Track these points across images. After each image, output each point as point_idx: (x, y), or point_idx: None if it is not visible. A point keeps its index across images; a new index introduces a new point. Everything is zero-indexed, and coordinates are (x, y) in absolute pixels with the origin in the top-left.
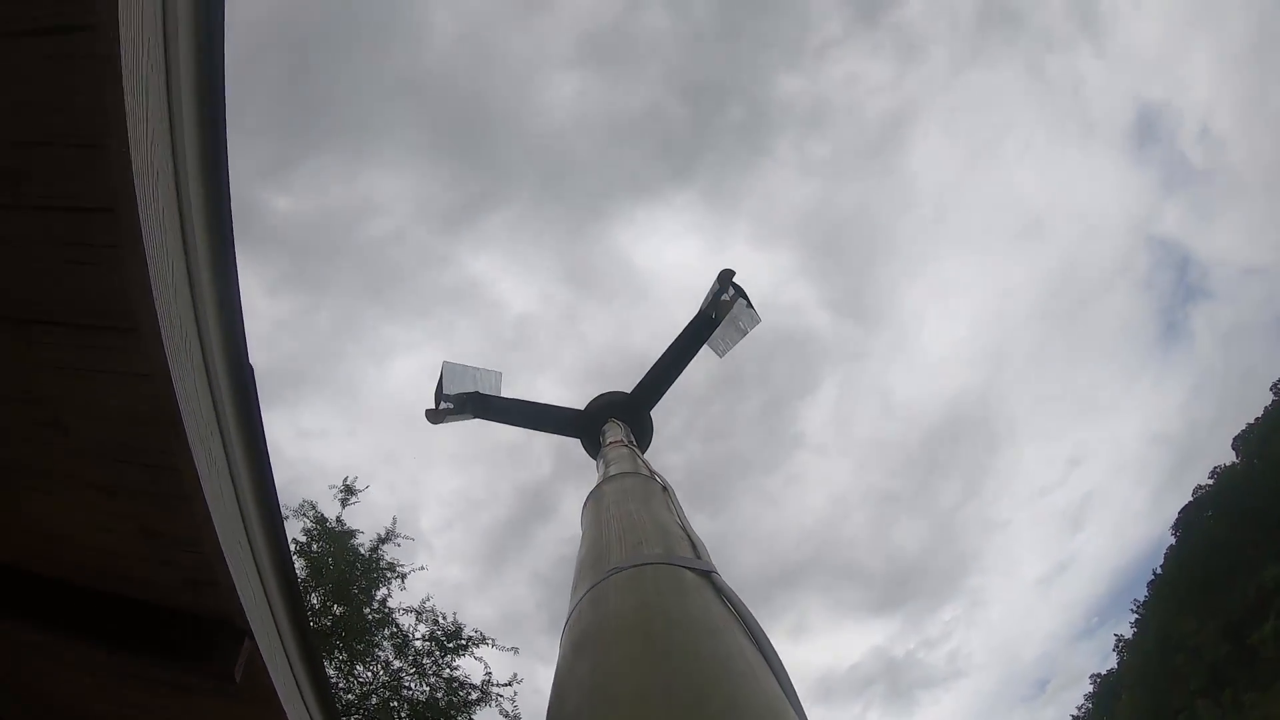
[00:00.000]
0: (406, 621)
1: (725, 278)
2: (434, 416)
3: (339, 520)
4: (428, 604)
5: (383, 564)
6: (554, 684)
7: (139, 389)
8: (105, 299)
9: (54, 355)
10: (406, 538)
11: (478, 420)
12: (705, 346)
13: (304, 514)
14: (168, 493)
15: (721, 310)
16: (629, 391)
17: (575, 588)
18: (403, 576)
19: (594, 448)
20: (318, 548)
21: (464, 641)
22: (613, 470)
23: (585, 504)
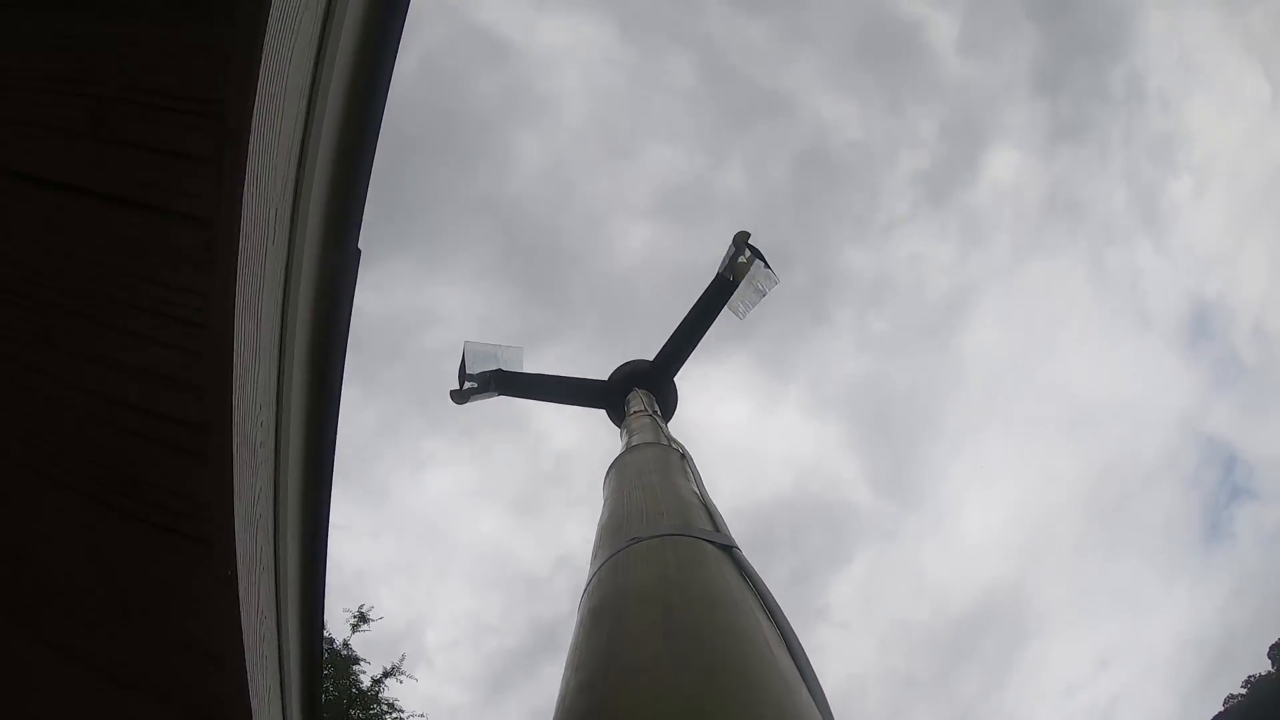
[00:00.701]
0: None
1: (741, 240)
2: (458, 397)
3: (346, 644)
4: None
5: (381, 697)
6: (570, 651)
7: None
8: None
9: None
10: (410, 677)
11: (501, 401)
12: (726, 310)
13: None
14: None
15: (739, 272)
16: (651, 361)
17: (595, 556)
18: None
19: (619, 417)
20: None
21: None
22: (635, 440)
23: (607, 473)
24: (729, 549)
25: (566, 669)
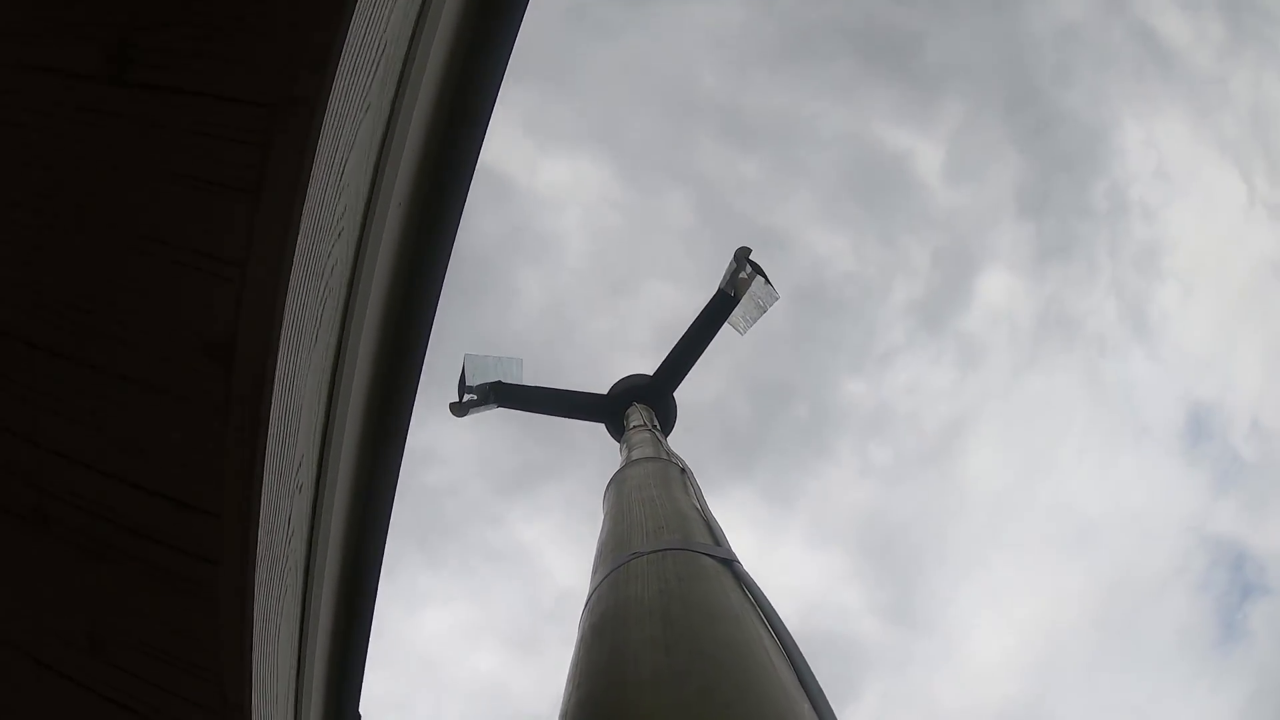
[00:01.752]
0: None
1: (742, 256)
2: (458, 409)
3: None
4: None
5: None
6: (570, 667)
7: None
8: None
9: None
10: None
11: (500, 413)
12: (726, 325)
13: None
14: None
15: (740, 288)
16: (651, 375)
17: (595, 571)
18: None
19: (618, 431)
20: None
21: None
22: (635, 455)
23: (608, 488)
24: (729, 563)
25: (568, 685)
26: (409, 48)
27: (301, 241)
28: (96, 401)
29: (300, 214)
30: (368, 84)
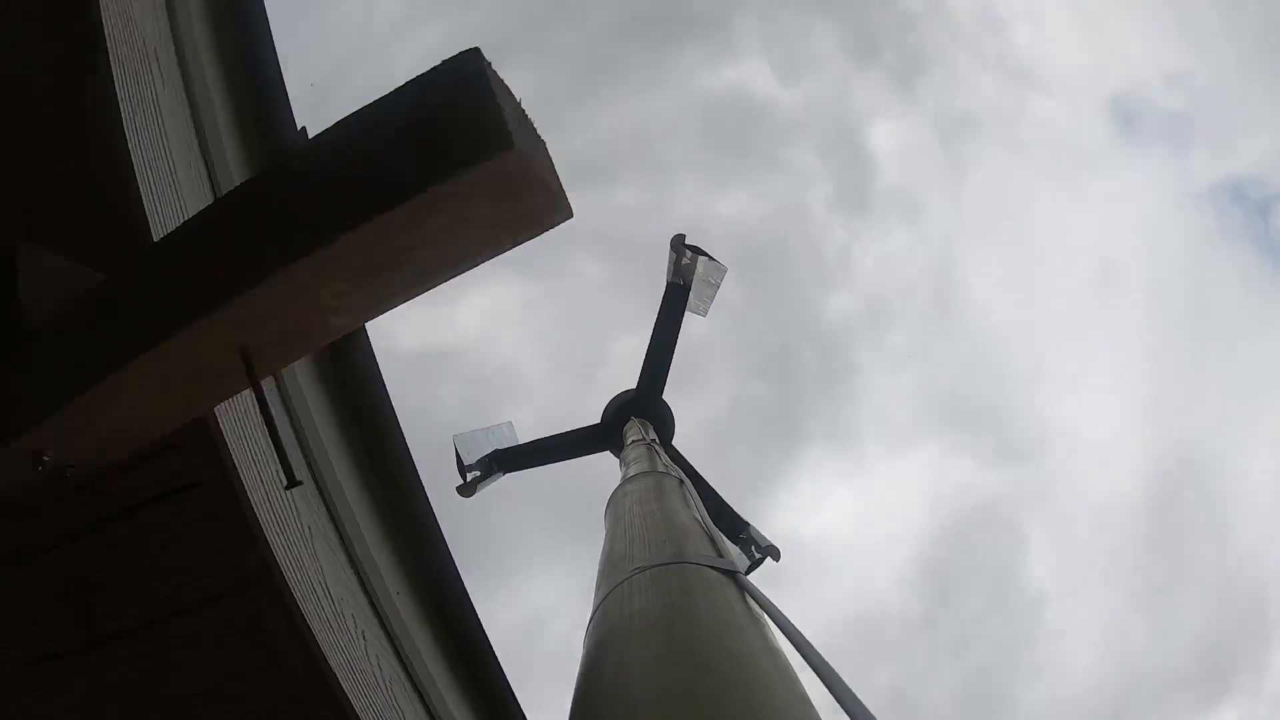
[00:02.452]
0: None
1: (678, 243)
2: (465, 490)
3: None
4: None
5: None
6: (577, 683)
7: None
8: None
9: None
10: None
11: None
12: (687, 313)
13: None
14: None
15: (687, 275)
16: (634, 388)
17: (598, 587)
18: None
19: (620, 451)
20: None
21: None
22: (632, 470)
23: (607, 507)
24: (733, 574)
25: (573, 705)
26: (320, 491)
27: (340, 673)
28: None
29: (325, 662)
30: (295, 517)
